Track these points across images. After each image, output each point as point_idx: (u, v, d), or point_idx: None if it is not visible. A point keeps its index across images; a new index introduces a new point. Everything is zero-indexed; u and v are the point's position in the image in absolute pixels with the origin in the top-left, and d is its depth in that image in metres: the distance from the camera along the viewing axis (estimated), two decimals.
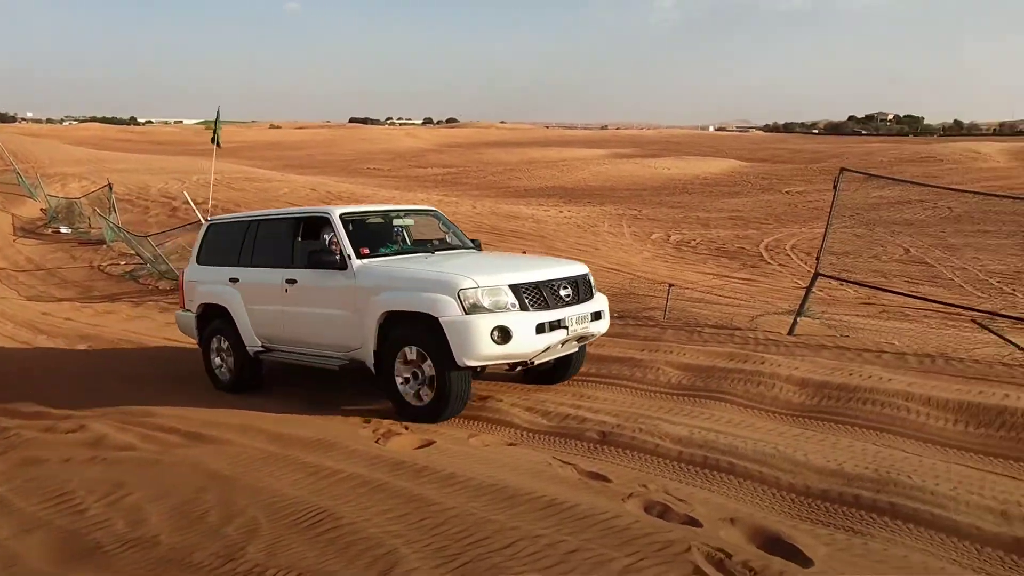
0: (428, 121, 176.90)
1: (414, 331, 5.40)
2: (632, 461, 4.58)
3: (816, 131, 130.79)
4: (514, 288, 5.33)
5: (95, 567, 3.47)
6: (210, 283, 7.09)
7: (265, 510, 3.89)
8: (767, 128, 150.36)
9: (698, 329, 8.16)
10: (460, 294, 5.18)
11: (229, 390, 6.97)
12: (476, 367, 5.38)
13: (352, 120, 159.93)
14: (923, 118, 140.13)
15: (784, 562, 3.14)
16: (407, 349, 5.44)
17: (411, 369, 5.49)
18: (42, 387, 7.78)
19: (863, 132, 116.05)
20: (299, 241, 6.45)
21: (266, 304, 6.52)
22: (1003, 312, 8.85)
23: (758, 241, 19.34)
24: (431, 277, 5.48)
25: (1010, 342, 6.69)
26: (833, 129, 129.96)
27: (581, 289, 5.84)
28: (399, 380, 5.54)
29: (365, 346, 5.67)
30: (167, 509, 4.07)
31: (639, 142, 77.54)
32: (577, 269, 5.97)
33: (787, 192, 31.45)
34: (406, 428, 5.43)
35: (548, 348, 5.49)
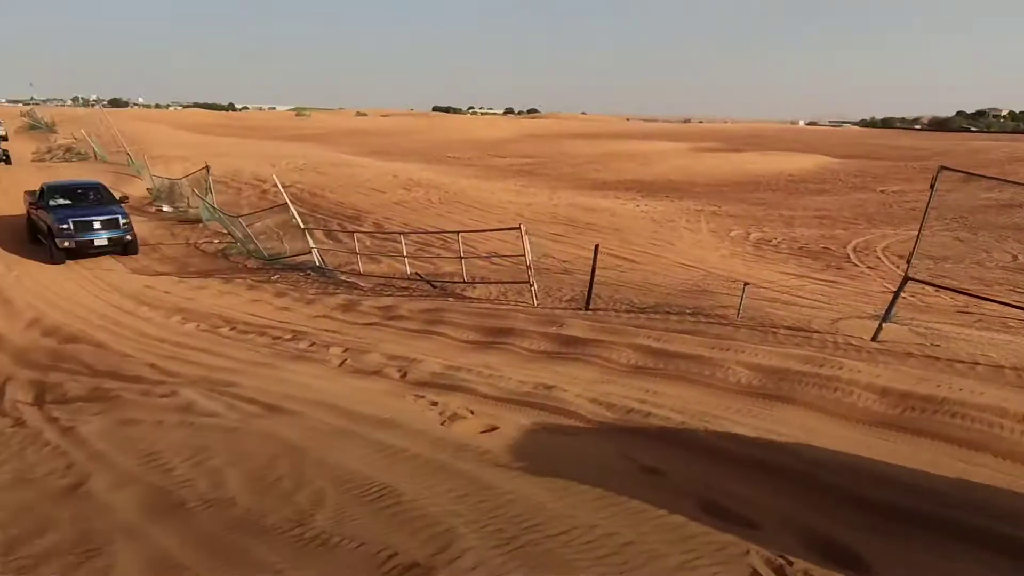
0: (509, 111, 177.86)
1: None
2: (694, 459, 4.52)
3: (919, 127, 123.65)
4: None
5: (178, 523, 3.73)
6: None
7: (333, 481, 4.07)
8: (863, 123, 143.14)
9: (773, 330, 7.93)
10: None
11: None
12: None
13: (435, 108, 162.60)
14: None
15: (848, 573, 3.06)
16: None
17: None
18: (143, 355, 8.36)
19: (972, 128, 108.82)
20: None
21: None
22: None
23: (845, 242, 18.54)
24: None
25: None
26: (938, 125, 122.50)
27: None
28: None
29: None
30: (244, 474, 4.31)
31: (723, 136, 75.39)
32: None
33: (882, 191, 29.97)
34: (471, 413, 5.54)
35: None
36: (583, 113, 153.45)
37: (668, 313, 8.92)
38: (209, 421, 5.47)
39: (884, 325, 7.52)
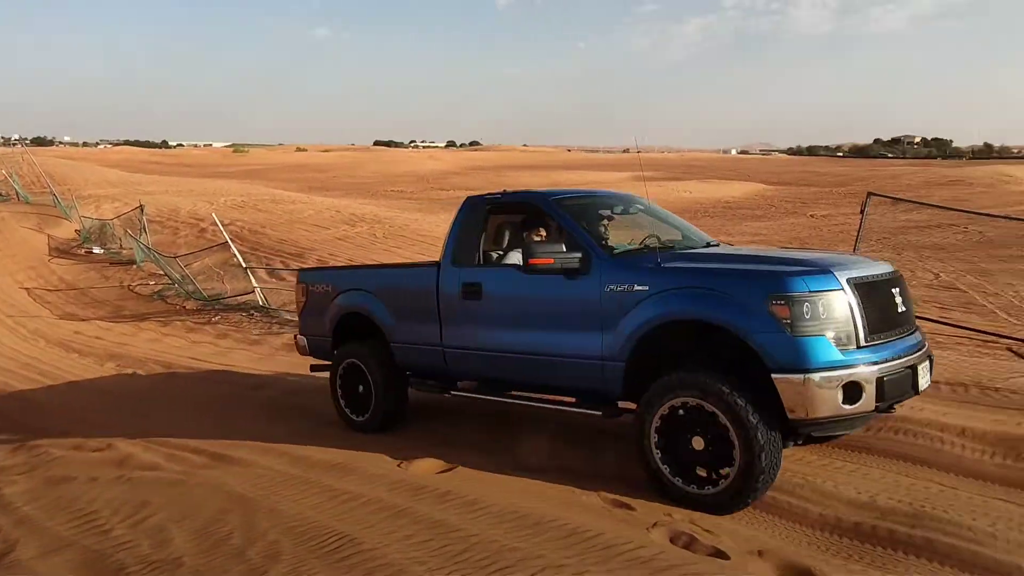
0: (451, 144, 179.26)
1: None
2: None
3: (841, 154, 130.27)
4: None
5: None
6: None
7: (287, 533, 3.88)
8: (791, 151, 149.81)
9: None
10: None
11: None
12: None
13: (376, 143, 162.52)
14: (951, 141, 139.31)
15: None
16: None
17: None
18: (72, 407, 7.88)
19: (889, 155, 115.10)
20: None
21: None
22: None
23: None
24: None
25: None
26: (858, 152, 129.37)
27: None
28: None
29: None
30: (190, 530, 4.06)
31: (662, 165, 77.54)
32: None
33: (812, 215, 31.16)
34: (427, 453, 5.40)
35: None
36: (525, 145, 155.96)
37: None
38: (149, 475, 5.17)
39: None
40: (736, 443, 3.73)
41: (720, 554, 3.48)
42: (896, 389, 3.81)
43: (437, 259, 5.57)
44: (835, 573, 3.26)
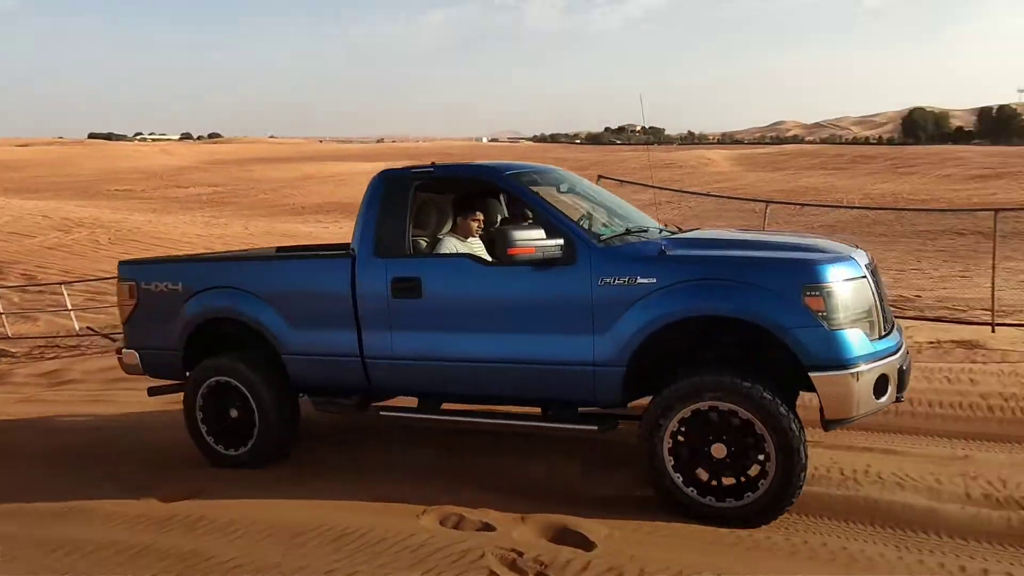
0: (187, 136, 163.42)
1: None
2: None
3: (579, 141, 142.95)
4: None
5: None
6: None
7: None
8: (536, 139, 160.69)
9: None
10: None
11: None
12: None
13: (92, 136, 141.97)
14: (664, 129, 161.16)
15: (571, 550, 3.33)
16: None
17: None
18: None
19: (617, 142, 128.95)
20: None
21: None
22: None
23: None
24: None
25: None
26: (593, 139, 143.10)
27: None
28: None
29: None
30: None
31: (415, 154, 78.32)
32: None
33: None
34: (175, 478, 4.87)
35: None
36: (271, 136, 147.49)
37: None
38: None
39: None
40: (773, 452, 3.33)
41: (488, 527, 3.63)
42: (907, 378, 3.69)
43: (345, 247, 4.48)
44: (586, 524, 3.57)
